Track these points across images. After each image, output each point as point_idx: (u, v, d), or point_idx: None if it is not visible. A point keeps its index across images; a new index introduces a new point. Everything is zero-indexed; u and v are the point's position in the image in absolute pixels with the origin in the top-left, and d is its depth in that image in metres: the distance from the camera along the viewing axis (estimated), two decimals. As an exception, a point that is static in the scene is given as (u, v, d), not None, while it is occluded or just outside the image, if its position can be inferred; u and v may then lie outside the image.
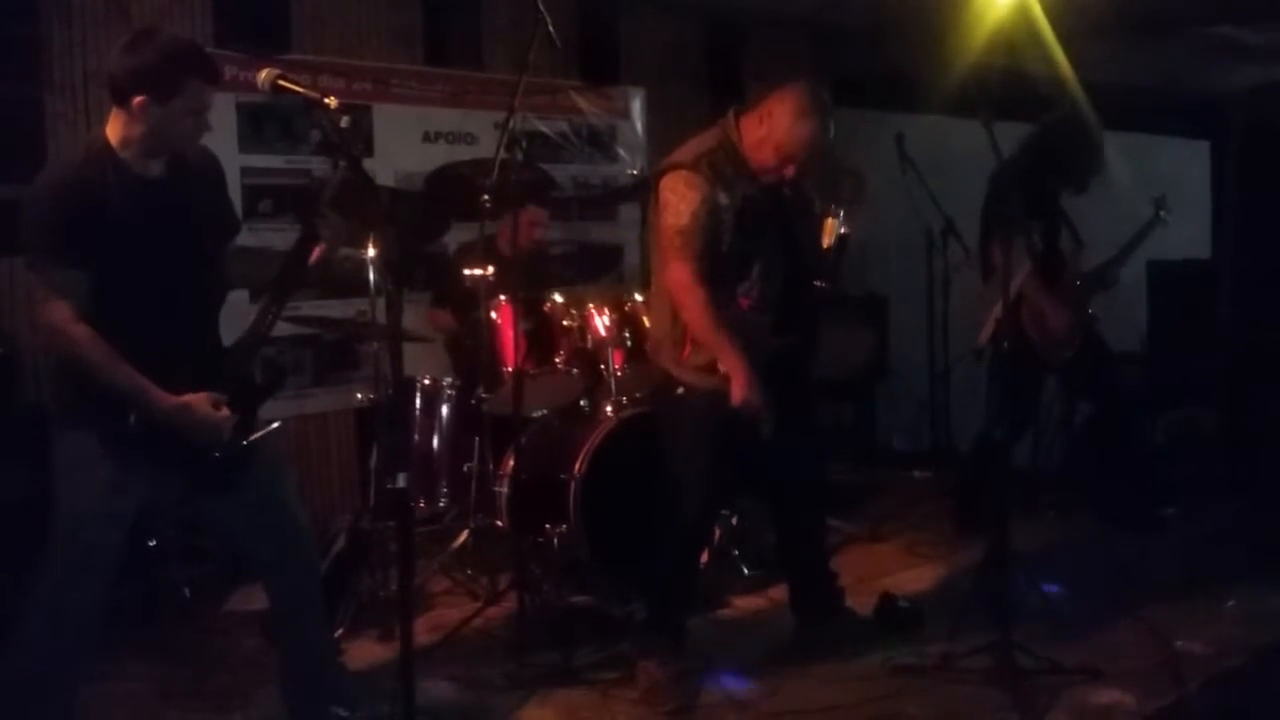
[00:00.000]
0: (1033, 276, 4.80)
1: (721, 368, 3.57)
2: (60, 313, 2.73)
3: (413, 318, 4.98)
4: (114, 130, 2.81)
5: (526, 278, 4.44)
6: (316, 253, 3.02)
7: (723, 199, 3.59)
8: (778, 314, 3.76)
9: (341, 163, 2.86)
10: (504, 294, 4.51)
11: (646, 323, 4.61)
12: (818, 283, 3.85)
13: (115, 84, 2.77)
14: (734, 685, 3.70)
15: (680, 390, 3.71)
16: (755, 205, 3.66)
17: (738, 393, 3.52)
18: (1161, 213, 5.34)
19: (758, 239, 3.64)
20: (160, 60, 2.74)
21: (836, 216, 3.78)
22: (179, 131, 2.83)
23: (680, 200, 3.58)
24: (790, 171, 3.68)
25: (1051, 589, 4.25)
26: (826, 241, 3.77)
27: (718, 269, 3.61)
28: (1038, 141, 4.93)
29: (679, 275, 3.58)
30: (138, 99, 2.73)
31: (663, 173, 3.70)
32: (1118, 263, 5.24)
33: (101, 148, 2.80)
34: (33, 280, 2.85)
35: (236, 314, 3.12)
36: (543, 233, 5.31)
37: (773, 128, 3.64)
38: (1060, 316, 4.94)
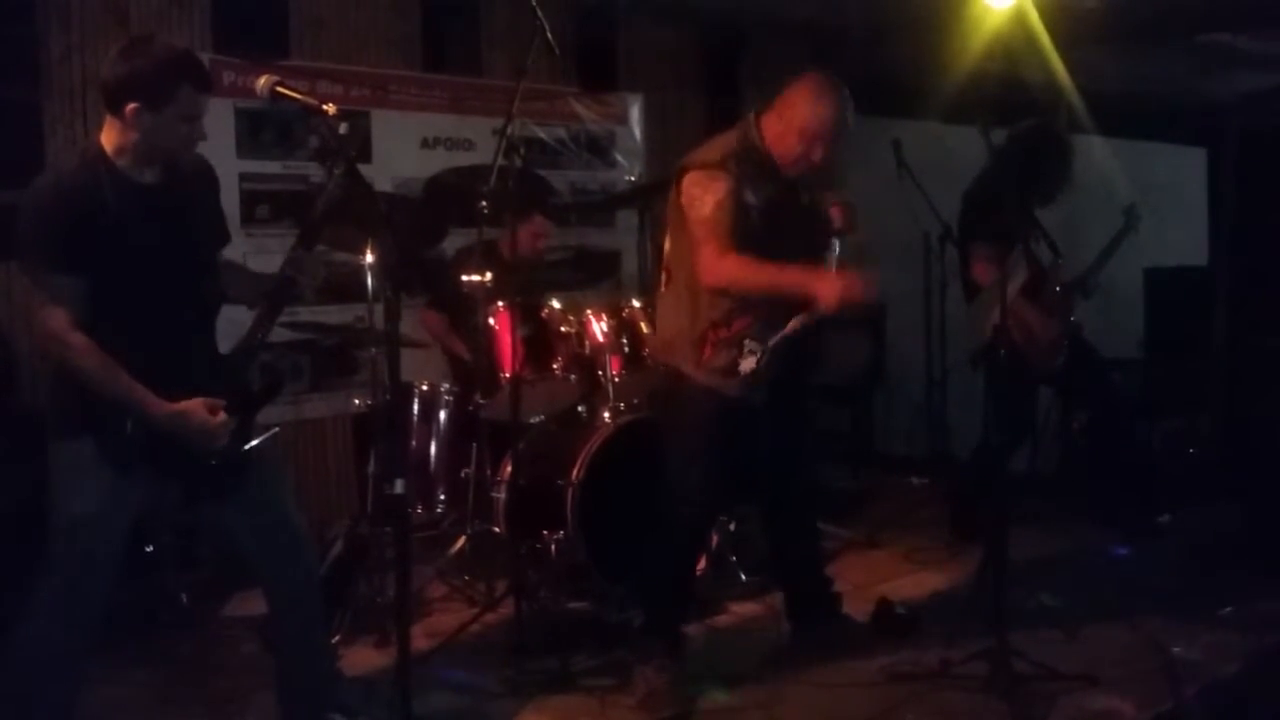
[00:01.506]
0: (1015, 290, 4.80)
1: (795, 289, 3.55)
2: (57, 320, 2.73)
3: (411, 323, 4.98)
4: (108, 138, 2.81)
5: (525, 284, 4.45)
6: (299, 286, 3.01)
7: (749, 197, 3.61)
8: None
9: (336, 171, 2.86)
10: (502, 299, 4.52)
11: (644, 328, 4.62)
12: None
13: (108, 91, 2.78)
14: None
15: (688, 392, 3.71)
16: (781, 208, 3.68)
17: (828, 296, 3.50)
18: (1132, 221, 5.34)
19: (780, 240, 3.64)
20: (153, 67, 2.74)
21: (832, 247, 3.78)
22: (173, 139, 2.83)
23: (705, 192, 3.60)
24: (817, 156, 3.66)
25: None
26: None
27: None
28: (1006, 154, 4.94)
29: (704, 257, 3.56)
30: (130, 106, 2.73)
31: (685, 170, 3.70)
32: (1094, 272, 5.26)
33: (96, 155, 2.80)
34: (29, 287, 2.84)
35: (233, 321, 3.12)
36: (545, 243, 5.33)
37: (793, 115, 3.66)
38: (1046, 326, 4.95)
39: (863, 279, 3.55)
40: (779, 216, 3.66)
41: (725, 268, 3.55)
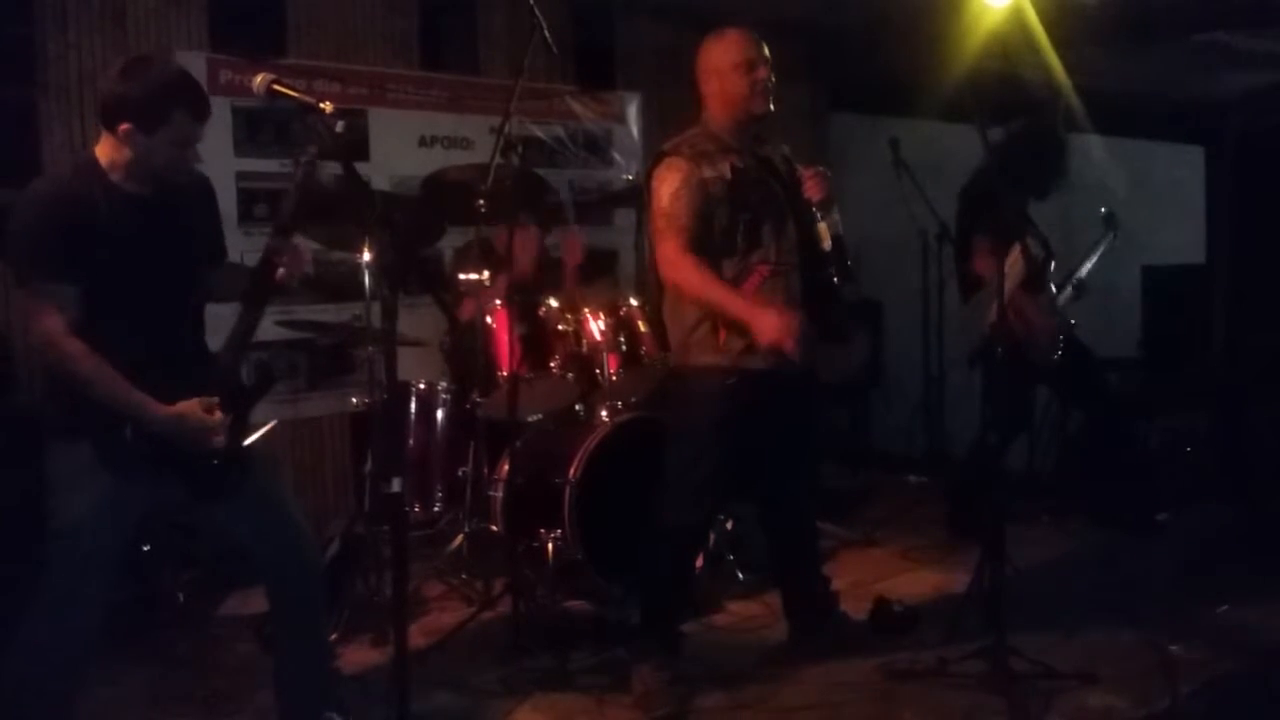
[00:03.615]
0: (1017, 284, 4.82)
1: (735, 317, 3.54)
2: (51, 327, 2.72)
3: (407, 322, 4.97)
4: (103, 151, 2.81)
5: (521, 291, 4.44)
6: (280, 274, 3.00)
7: (707, 172, 3.61)
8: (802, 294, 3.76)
9: (303, 160, 2.85)
10: (500, 298, 4.51)
11: (642, 327, 4.62)
12: (834, 278, 3.79)
13: (104, 108, 2.78)
14: None
15: (698, 390, 3.70)
16: (748, 174, 3.68)
17: (766, 332, 3.50)
18: (1111, 227, 5.36)
19: (759, 203, 3.66)
20: (148, 91, 2.73)
21: (822, 219, 3.76)
22: (164, 161, 2.83)
23: (662, 184, 3.64)
24: (758, 102, 3.67)
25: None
26: (825, 245, 3.76)
27: (728, 245, 3.62)
28: (1003, 150, 4.95)
29: (665, 251, 3.61)
30: (123, 126, 2.74)
31: (651, 168, 3.75)
32: (1077, 274, 5.29)
33: (90, 166, 2.81)
34: (22, 295, 2.84)
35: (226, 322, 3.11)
36: (534, 254, 5.32)
37: (709, 67, 3.72)
38: (1044, 320, 4.98)
39: (795, 331, 3.49)
40: (749, 182, 3.66)
41: (683, 268, 3.58)
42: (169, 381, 2.80)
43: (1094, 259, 5.34)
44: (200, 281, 3.02)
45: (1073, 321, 5.17)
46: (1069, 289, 5.23)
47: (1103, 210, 5.39)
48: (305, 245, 3.04)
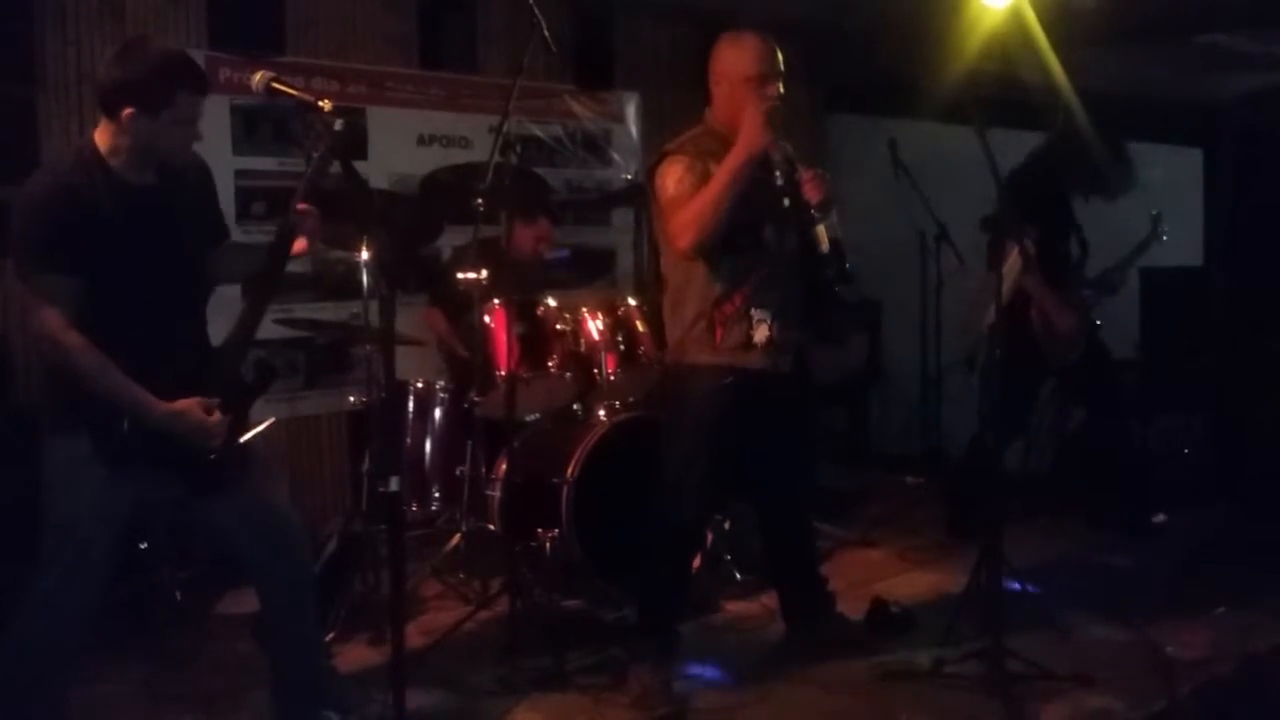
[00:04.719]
0: (1040, 279, 4.82)
1: (735, 159, 3.51)
2: (52, 320, 2.73)
3: (406, 321, 4.97)
4: (103, 138, 2.81)
5: (521, 281, 4.44)
6: (299, 245, 3.01)
7: (712, 167, 3.59)
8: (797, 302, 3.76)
9: (315, 154, 2.85)
10: (499, 297, 4.51)
11: (640, 327, 4.62)
12: (831, 281, 3.80)
13: (104, 95, 2.78)
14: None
15: (695, 389, 3.70)
16: (751, 185, 3.64)
17: (754, 132, 3.50)
18: (1161, 231, 5.38)
19: (759, 204, 3.64)
20: (148, 73, 2.74)
21: (823, 221, 3.75)
22: (169, 143, 2.83)
23: (665, 178, 3.63)
24: (771, 89, 3.63)
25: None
26: (824, 247, 3.75)
27: (728, 244, 3.60)
28: (1071, 144, 4.96)
29: (674, 223, 3.58)
30: (126, 111, 2.73)
31: (653, 167, 3.74)
32: (1116, 271, 5.29)
33: (91, 155, 2.80)
34: (22, 288, 2.83)
35: (229, 311, 3.11)
36: (547, 249, 5.32)
37: (722, 70, 3.70)
38: (1066, 319, 4.98)
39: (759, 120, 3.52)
40: (751, 192, 3.61)
41: (686, 215, 3.55)
42: (170, 375, 2.80)
43: (1137, 260, 5.36)
44: (201, 273, 3.01)
45: (1098, 323, 5.18)
46: (1105, 286, 5.24)
47: (1153, 212, 5.40)
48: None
